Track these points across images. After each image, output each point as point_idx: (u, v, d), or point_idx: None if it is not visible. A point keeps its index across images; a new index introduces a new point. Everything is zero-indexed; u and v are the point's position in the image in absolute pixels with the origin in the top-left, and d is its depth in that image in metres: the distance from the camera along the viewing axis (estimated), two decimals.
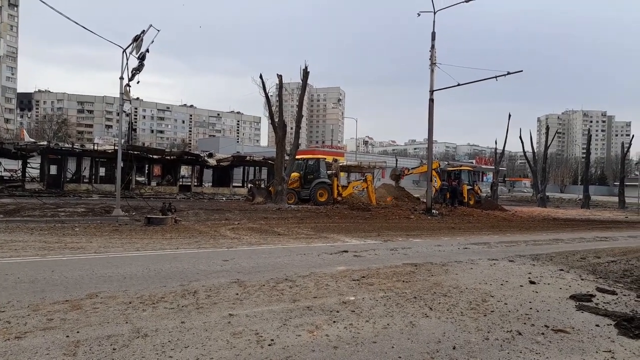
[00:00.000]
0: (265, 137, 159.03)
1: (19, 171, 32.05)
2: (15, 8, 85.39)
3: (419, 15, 21.04)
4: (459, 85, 20.54)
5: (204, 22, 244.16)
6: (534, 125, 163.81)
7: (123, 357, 3.31)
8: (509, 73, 19.56)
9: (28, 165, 30.74)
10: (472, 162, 79.58)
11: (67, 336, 3.66)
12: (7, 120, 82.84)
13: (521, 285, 6.18)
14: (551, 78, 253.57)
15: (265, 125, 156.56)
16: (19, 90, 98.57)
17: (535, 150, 46.25)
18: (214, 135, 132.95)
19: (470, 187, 27.90)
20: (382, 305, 4.90)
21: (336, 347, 3.64)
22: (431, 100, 20.96)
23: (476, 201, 27.49)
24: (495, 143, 44.85)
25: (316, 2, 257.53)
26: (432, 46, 20.78)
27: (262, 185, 26.36)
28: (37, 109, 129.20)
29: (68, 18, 13.80)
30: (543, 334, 4.17)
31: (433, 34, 20.84)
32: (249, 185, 30.04)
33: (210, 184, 38.67)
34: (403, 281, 6.17)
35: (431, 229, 14.56)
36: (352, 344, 3.72)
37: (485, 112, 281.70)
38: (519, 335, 4.10)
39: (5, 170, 32.46)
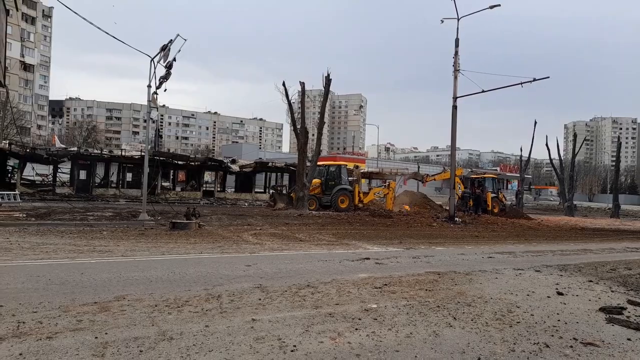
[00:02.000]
0: (287, 143, 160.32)
1: (50, 176, 33.13)
2: (49, 19, 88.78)
3: (442, 22, 20.94)
4: (483, 92, 20.29)
5: (225, 29, 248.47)
6: (561, 133, 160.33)
7: (149, 359, 3.38)
8: (535, 79, 19.23)
9: (59, 170, 31.74)
10: (496, 170, 78.10)
11: (96, 337, 3.76)
12: (39, 127, 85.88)
13: (548, 296, 6.02)
14: (579, 84, 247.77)
15: (287, 132, 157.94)
16: (51, 98, 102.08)
17: (562, 158, 45.16)
18: (236, 142, 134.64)
19: (494, 194, 27.39)
20: (404, 314, 4.86)
21: (359, 355, 3.63)
22: (454, 107, 20.76)
23: (500, 209, 26.95)
24: (521, 150, 43.93)
25: (338, 9, 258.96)
26: (456, 52, 20.61)
27: (284, 191, 26.54)
28: (68, 115, 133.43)
29: (99, 28, 14.28)
30: (572, 346, 4.06)
31: (456, 41, 20.68)
32: (271, 191, 30.28)
33: (233, 189, 39.10)
34: (426, 290, 6.10)
35: (454, 237, 14.35)
36: (374, 352, 3.70)
37: (510, 119, 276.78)
38: (547, 347, 4.00)
39: (37, 174, 33.61)
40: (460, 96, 20.81)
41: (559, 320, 4.87)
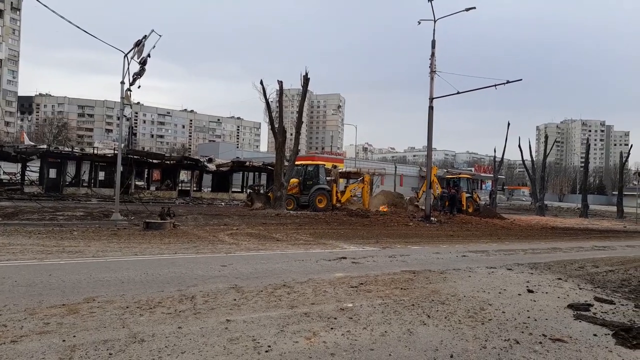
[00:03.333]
0: (265, 142, 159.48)
1: (18, 174, 32.05)
2: (18, 12, 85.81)
3: (419, 23, 21.20)
4: (458, 93, 20.65)
5: (201, 26, 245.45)
6: (533, 134, 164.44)
7: None
8: (508, 82, 19.68)
9: (27, 169, 30.71)
10: (471, 170, 79.68)
11: (64, 340, 3.65)
12: (7, 124, 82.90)
13: (519, 294, 6.17)
14: (550, 86, 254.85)
15: (265, 131, 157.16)
16: (20, 94, 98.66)
17: (534, 159, 46.44)
18: (213, 141, 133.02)
19: (469, 195, 27.91)
20: (380, 313, 4.89)
21: (333, 354, 3.63)
22: (431, 108, 21.05)
23: (475, 209, 27.48)
24: (494, 151, 44.93)
25: (316, 8, 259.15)
26: (432, 54, 20.90)
27: (261, 191, 26.39)
28: (38, 112, 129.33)
29: (70, 22, 13.88)
30: (541, 343, 4.16)
31: (433, 42, 20.98)
32: (248, 191, 30.07)
33: (210, 189, 38.66)
34: (401, 288, 6.16)
35: (430, 237, 14.55)
36: (349, 351, 3.71)
37: (485, 120, 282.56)
38: (517, 344, 4.09)
39: (4, 173, 32.44)
40: (437, 97, 21.13)
41: (529, 317, 4.99)
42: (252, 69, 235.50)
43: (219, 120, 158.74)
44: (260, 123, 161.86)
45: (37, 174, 30.04)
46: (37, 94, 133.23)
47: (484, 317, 4.90)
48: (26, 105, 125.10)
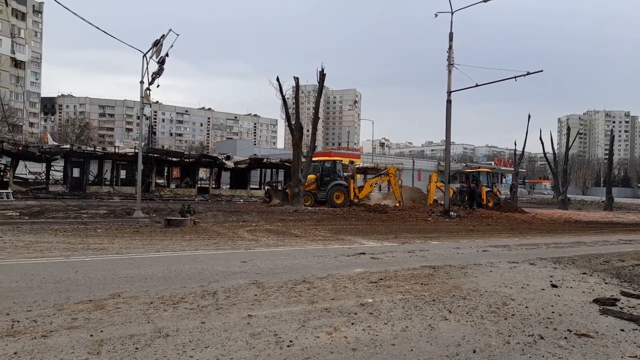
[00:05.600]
0: (281, 139, 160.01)
1: (43, 174, 32.91)
2: (40, 15, 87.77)
3: (436, 16, 20.92)
4: (477, 86, 20.34)
5: (214, 26, 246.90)
6: (555, 126, 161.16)
7: (145, 356, 3.37)
8: (528, 73, 19.27)
9: (52, 168, 31.51)
10: (490, 164, 78.48)
11: (91, 335, 3.75)
12: (31, 124, 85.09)
13: (543, 289, 6.07)
14: (572, 77, 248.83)
15: (281, 128, 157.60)
16: (43, 95, 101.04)
17: (556, 152, 45.38)
18: (231, 138, 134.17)
19: (488, 189, 27.50)
20: (400, 308, 4.88)
21: (355, 349, 3.64)
22: (449, 102, 20.79)
23: (495, 203, 27.08)
24: (515, 144, 44.02)
25: (332, 3, 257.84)
26: (450, 47, 20.61)
27: (279, 187, 26.53)
28: (60, 112, 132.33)
29: (90, 23, 14.14)
30: (566, 338, 4.09)
31: (450, 35, 20.68)
32: (266, 187, 30.26)
33: (228, 186, 39.04)
34: (421, 284, 6.13)
35: (449, 232, 14.42)
36: (370, 346, 3.72)
37: (504, 113, 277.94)
38: (541, 339, 4.03)
39: (30, 173, 33.33)
40: (455, 90, 20.86)
41: (553, 312, 4.91)
42: (266, 66, 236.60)
43: (236, 117, 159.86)
44: (276, 120, 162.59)
45: (62, 173, 30.81)
46: (60, 94, 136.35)
47: (507, 313, 4.84)
48: (49, 106, 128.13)
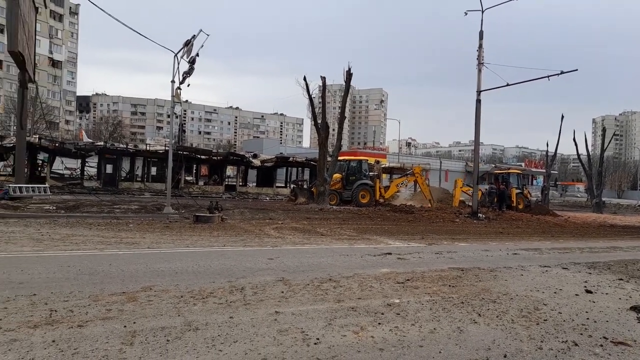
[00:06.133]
0: (307, 138, 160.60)
1: (78, 169, 34.08)
2: (76, 16, 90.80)
3: (465, 14, 20.55)
4: (508, 85, 19.88)
5: (241, 24, 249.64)
6: (589, 127, 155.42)
7: (176, 348, 3.45)
8: (562, 72, 18.70)
9: (86, 164, 32.61)
10: (520, 165, 76.55)
11: (125, 326, 3.86)
12: (67, 122, 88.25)
13: (576, 294, 5.88)
14: (608, 77, 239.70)
15: (307, 127, 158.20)
16: (78, 94, 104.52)
17: (591, 153, 43.85)
18: (258, 137, 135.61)
19: (519, 190, 26.84)
20: (428, 309, 4.82)
21: (382, 350, 3.62)
22: (478, 101, 20.39)
23: (525, 205, 26.40)
24: (547, 145, 42.72)
25: (358, 2, 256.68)
26: (480, 45, 20.21)
27: (305, 186, 26.64)
28: (95, 111, 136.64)
29: (125, 24, 14.55)
30: (602, 345, 3.95)
31: (481, 33, 20.27)
32: (292, 186, 30.45)
33: (255, 184, 39.45)
34: (449, 286, 6.04)
35: (478, 233, 14.15)
36: (398, 347, 3.69)
37: (536, 113, 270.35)
38: (575, 346, 3.90)
39: (66, 168, 34.62)
40: (484, 90, 20.44)
41: (587, 319, 4.75)
42: (292, 65, 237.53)
43: (262, 116, 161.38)
44: (302, 119, 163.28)
45: (95, 169, 31.83)
46: (94, 93, 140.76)
47: (539, 318, 4.72)
48: (84, 104, 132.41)
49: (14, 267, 5.97)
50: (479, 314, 4.73)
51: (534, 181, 69.30)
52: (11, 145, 25.91)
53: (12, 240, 8.32)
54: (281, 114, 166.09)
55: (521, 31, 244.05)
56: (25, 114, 20.07)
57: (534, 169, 74.56)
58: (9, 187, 17.07)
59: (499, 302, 5.29)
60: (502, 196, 24.75)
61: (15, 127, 34.54)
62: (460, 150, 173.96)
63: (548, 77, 19.00)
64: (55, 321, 3.90)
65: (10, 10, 15.47)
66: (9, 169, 32.56)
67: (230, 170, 42.14)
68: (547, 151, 43.43)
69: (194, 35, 15.73)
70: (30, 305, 4.32)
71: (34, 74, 21.12)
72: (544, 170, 46.92)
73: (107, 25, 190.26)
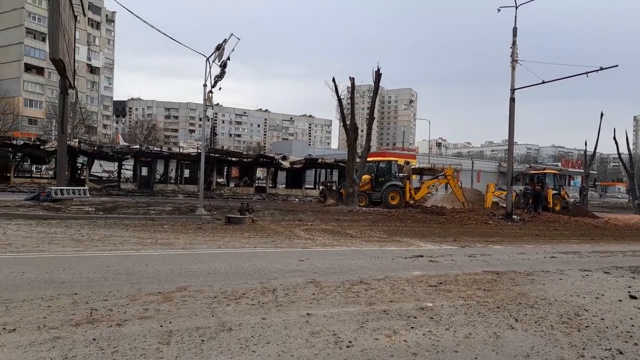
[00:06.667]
0: (335, 139, 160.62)
1: (115, 172, 35.28)
2: (112, 23, 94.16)
3: (498, 10, 20.04)
4: (543, 82, 19.22)
5: (268, 28, 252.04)
6: (630, 125, 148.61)
7: (211, 348, 3.50)
8: (602, 68, 17.96)
9: (123, 167, 33.72)
10: (557, 165, 73.98)
11: (161, 326, 3.96)
12: (105, 126, 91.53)
13: (620, 300, 5.62)
14: None
15: (335, 128, 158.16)
16: (115, 99, 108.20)
17: (632, 152, 41.91)
18: (287, 139, 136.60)
19: (555, 191, 25.92)
20: (462, 314, 4.72)
21: (415, 354, 3.57)
22: (512, 100, 19.84)
23: (563, 207, 25.45)
24: (585, 144, 41.00)
25: (384, 3, 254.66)
26: (514, 42, 19.66)
27: (334, 188, 26.57)
28: (130, 115, 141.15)
29: (159, 30, 14.97)
30: None
31: (514, 30, 19.72)
32: (321, 187, 30.46)
33: (284, 185, 39.77)
34: (484, 289, 5.89)
35: (512, 236, 13.76)
36: (432, 352, 3.63)
37: (573, 111, 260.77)
38: (620, 354, 3.73)
39: (104, 171, 35.90)
40: (519, 88, 19.85)
41: (632, 326, 4.54)
42: (319, 68, 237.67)
43: (291, 118, 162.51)
44: (331, 120, 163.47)
45: (131, 172, 32.87)
46: (129, 98, 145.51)
47: (580, 324, 4.54)
48: (120, 108, 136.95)
49: (57, 267, 6.23)
50: (516, 319, 4.59)
51: (572, 182, 66.87)
52: (53, 149, 27.11)
53: (54, 240, 8.69)
54: (310, 116, 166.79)
55: (557, 26, 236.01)
56: (66, 119, 20.93)
57: (571, 169, 71.97)
58: (51, 189, 17.83)
59: (537, 307, 5.11)
60: (538, 197, 23.95)
61: (56, 132, 36.13)
62: (492, 150, 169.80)
63: (586, 73, 18.26)
64: (95, 320, 4.04)
65: (52, 19, 16.16)
66: (51, 172, 34.04)
67: (260, 172, 42.62)
68: (585, 150, 41.77)
69: (225, 40, 16.00)
70: (72, 304, 4.49)
71: (74, 80, 22.01)
72: (582, 170, 45.22)
73: (142, 31, 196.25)
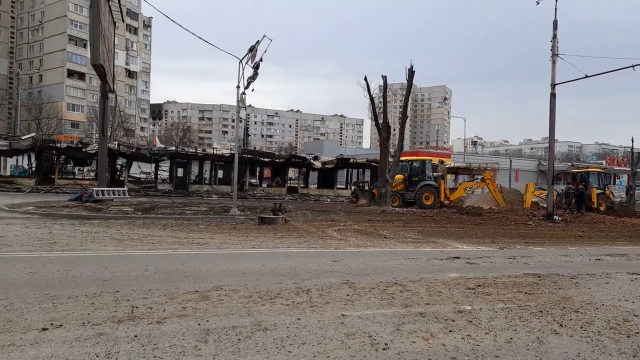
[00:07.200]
0: (367, 139, 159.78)
1: (152, 173, 36.35)
2: (149, 29, 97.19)
3: (537, 3, 19.37)
4: (586, 77, 18.44)
5: (298, 28, 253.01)
6: None
7: (247, 347, 3.53)
8: None
9: (160, 168, 34.70)
10: (601, 163, 70.78)
11: (199, 324, 4.02)
12: (142, 129, 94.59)
13: None
14: None
15: (367, 128, 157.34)
16: (152, 102, 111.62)
17: None
18: (318, 139, 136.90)
19: (600, 190, 24.79)
20: (502, 318, 4.56)
21: (454, 358, 3.47)
22: (553, 95, 19.10)
23: (608, 207, 24.31)
24: (632, 141, 38.99)
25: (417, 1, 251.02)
26: (554, 36, 18.93)
27: (366, 188, 26.39)
28: (166, 117, 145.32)
29: (194, 34, 15.35)
30: None
31: (555, 23, 18.99)
32: (353, 187, 30.31)
33: (316, 185, 39.83)
34: (525, 293, 5.69)
35: (554, 237, 13.24)
36: (471, 356, 3.52)
37: (617, 107, 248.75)
38: None
39: (142, 172, 37.07)
40: (560, 83, 19.10)
41: None
42: (350, 67, 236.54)
43: (322, 118, 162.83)
44: (362, 120, 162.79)
45: (168, 173, 33.79)
46: (165, 101, 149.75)
47: (629, 330, 4.30)
48: (156, 111, 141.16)
49: (99, 265, 6.46)
50: (561, 324, 4.40)
51: (617, 180, 63.76)
52: (94, 151, 28.20)
53: (96, 240, 9.03)
54: (341, 115, 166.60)
55: (601, 19, 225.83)
56: (106, 122, 21.74)
57: (616, 167, 68.62)
58: (93, 190, 18.55)
59: (583, 311, 4.89)
60: (581, 197, 22.97)
61: (97, 135, 37.60)
62: (532, 148, 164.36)
63: (633, 66, 17.39)
64: (136, 317, 4.16)
65: (93, 26, 16.82)
66: (92, 174, 35.45)
67: (292, 172, 42.84)
68: (632, 147, 39.71)
69: (258, 41, 16.17)
70: (114, 302, 4.63)
71: (114, 85, 22.84)
72: (629, 169, 43.02)
73: (177, 36, 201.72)
